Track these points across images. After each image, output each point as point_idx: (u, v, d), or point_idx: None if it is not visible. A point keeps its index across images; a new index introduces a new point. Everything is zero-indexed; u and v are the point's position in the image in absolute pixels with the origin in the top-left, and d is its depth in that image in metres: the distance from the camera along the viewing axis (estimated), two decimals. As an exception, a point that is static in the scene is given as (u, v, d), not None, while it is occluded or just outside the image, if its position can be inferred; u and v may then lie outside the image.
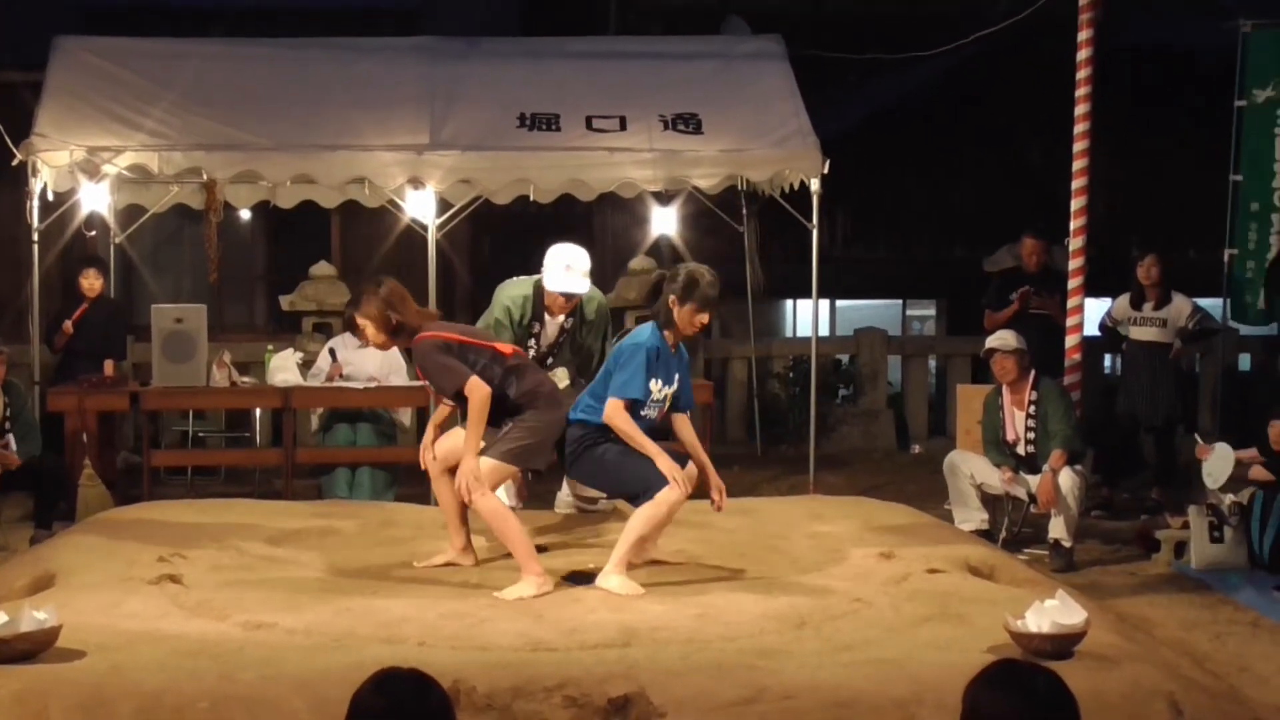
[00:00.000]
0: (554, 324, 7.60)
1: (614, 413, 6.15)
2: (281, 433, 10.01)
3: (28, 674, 4.69)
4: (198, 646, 5.06)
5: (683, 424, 6.54)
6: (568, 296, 7.41)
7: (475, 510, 6.13)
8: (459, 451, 6.12)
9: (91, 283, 10.45)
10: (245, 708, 4.55)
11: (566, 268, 7.30)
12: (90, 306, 10.41)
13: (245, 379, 10.22)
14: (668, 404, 6.39)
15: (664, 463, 6.08)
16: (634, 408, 6.17)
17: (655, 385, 6.22)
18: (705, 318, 6.29)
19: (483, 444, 6.11)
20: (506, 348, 6.29)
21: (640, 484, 6.13)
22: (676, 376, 6.38)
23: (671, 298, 6.25)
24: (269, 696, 4.61)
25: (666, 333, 6.30)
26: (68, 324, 10.37)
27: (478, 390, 6.01)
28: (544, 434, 6.24)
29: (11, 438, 8.64)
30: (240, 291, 15.08)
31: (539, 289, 7.46)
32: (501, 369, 6.16)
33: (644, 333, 6.28)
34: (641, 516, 6.13)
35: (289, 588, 6.04)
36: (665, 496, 6.05)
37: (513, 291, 7.53)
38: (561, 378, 7.58)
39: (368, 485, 9.52)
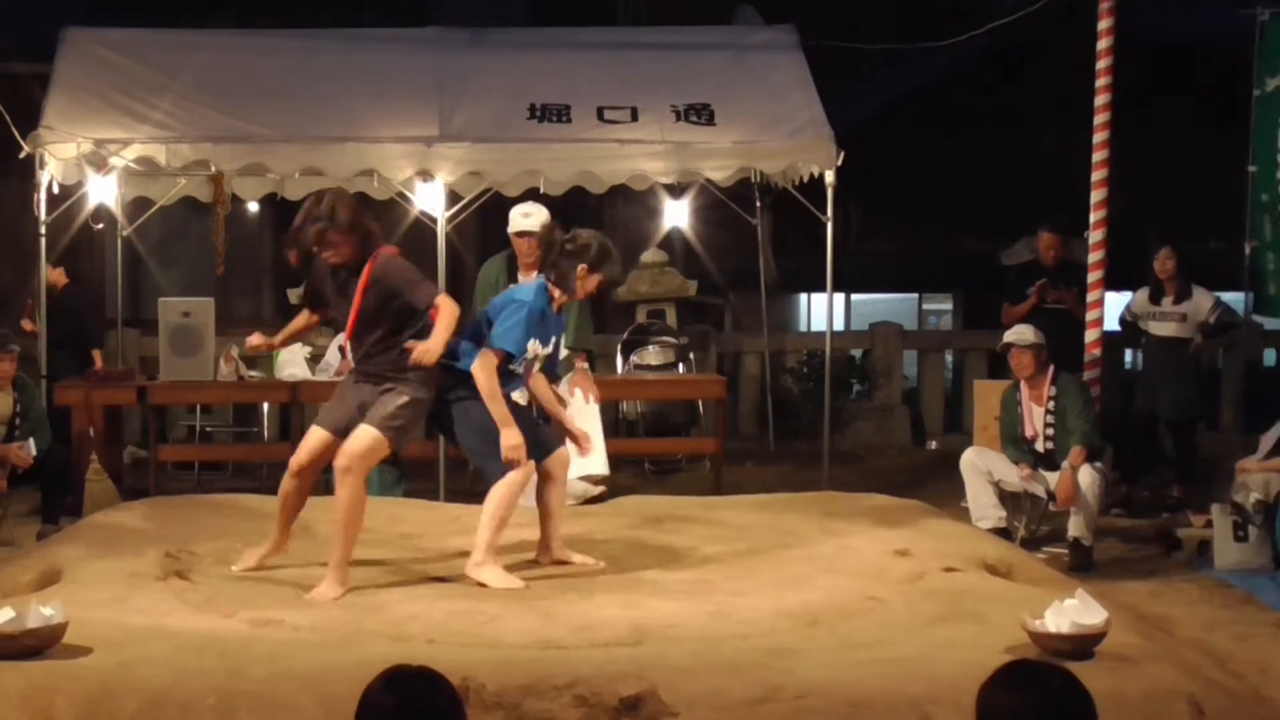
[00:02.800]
0: None
1: (484, 364, 6.14)
2: (289, 427, 10.02)
3: (34, 670, 4.70)
4: (205, 643, 5.06)
5: (538, 380, 6.59)
6: (520, 234, 8.01)
7: (341, 488, 6.04)
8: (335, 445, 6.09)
9: (55, 279, 10.38)
10: (252, 705, 4.56)
11: (523, 215, 8.01)
12: (58, 298, 10.29)
13: (253, 373, 10.23)
14: (537, 366, 6.44)
15: (509, 437, 6.09)
16: (505, 362, 6.20)
17: (533, 345, 6.27)
18: (596, 286, 6.49)
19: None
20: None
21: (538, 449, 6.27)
22: (553, 340, 6.46)
23: (582, 266, 6.36)
24: (276, 694, 4.62)
25: (556, 293, 6.37)
26: (25, 322, 10.37)
27: (450, 303, 5.97)
28: (419, 414, 6.19)
29: (32, 441, 8.68)
30: (248, 285, 15.10)
31: (510, 254, 8.07)
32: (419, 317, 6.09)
33: (529, 290, 6.34)
34: (497, 498, 6.17)
35: (296, 584, 6.05)
36: (517, 476, 6.17)
37: (487, 267, 8.46)
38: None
39: (375, 481, 9.45)
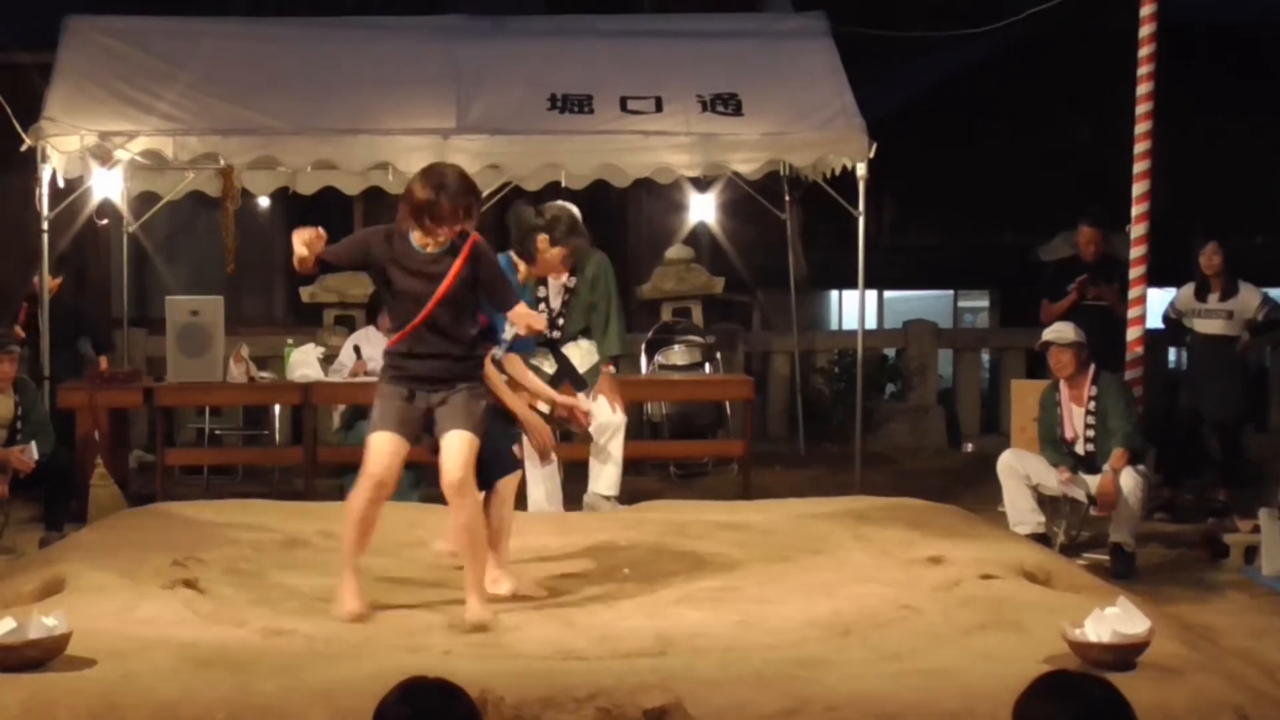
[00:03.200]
0: (556, 285, 7.83)
1: None
2: (301, 430, 10.05)
3: (36, 682, 4.71)
4: (213, 654, 5.07)
5: (512, 361, 6.54)
6: None
7: (462, 503, 5.70)
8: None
9: (52, 287, 10.37)
10: (263, 719, 4.56)
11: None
12: (52, 303, 10.26)
13: (264, 374, 10.26)
14: (508, 345, 6.44)
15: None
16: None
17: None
18: (561, 260, 6.62)
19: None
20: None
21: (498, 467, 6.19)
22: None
23: (544, 237, 6.48)
24: (288, 707, 4.61)
25: (521, 267, 6.49)
26: (17, 328, 10.40)
27: (533, 320, 5.92)
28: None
29: (34, 444, 8.70)
30: (258, 283, 15.12)
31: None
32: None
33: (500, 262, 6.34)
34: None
35: (309, 593, 6.06)
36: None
37: None
38: (587, 352, 7.67)
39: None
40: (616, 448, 8.24)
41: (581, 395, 7.44)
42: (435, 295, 5.66)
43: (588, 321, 7.98)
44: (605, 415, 8.08)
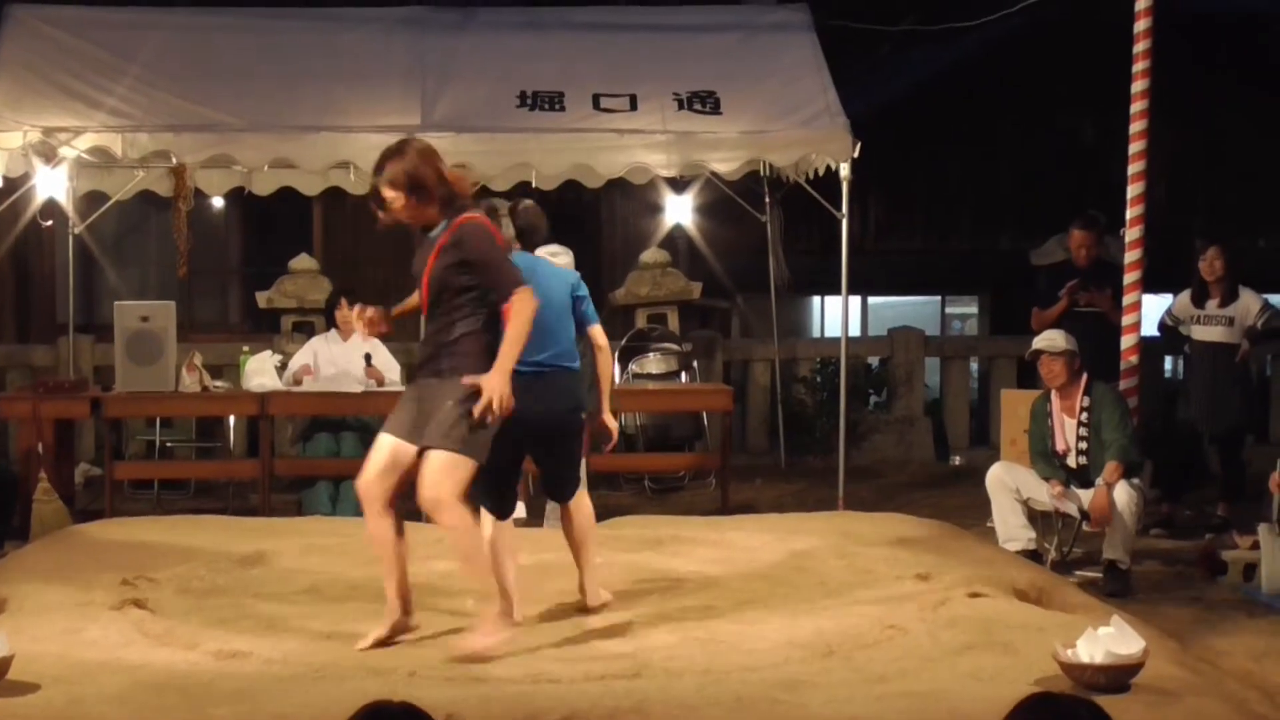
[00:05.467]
0: None
1: (527, 303, 5.70)
2: (258, 442, 10.02)
3: (-23, 708, 4.71)
4: (164, 678, 5.07)
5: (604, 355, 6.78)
6: None
7: (441, 525, 5.62)
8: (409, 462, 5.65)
9: None
10: (217, 745, 4.57)
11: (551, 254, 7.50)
12: None
13: (218, 383, 10.23)
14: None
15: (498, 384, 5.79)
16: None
17: None
18: None
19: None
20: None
21: (577, 477, 6.44)
22: None
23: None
24: (243, 733, 4.62)
25: None
26: None
27: (528, 302, 5.59)
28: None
29: None
30: (213, 287, 15.11)
31: None
32: (493, 306, 5.70)
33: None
34: (587, 523, 6.41)
35: (265, 613, 6.05)
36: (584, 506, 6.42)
37: None
38: None
39: (353, 500, 9.52)
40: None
41: None
42: (422, 277, 5.70)
43: None
44: None
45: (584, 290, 6.50)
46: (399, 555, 5.74)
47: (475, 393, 5.51)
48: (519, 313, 5.58)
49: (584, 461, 6.59)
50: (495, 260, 5.67)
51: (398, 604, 5.74)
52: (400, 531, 5.75)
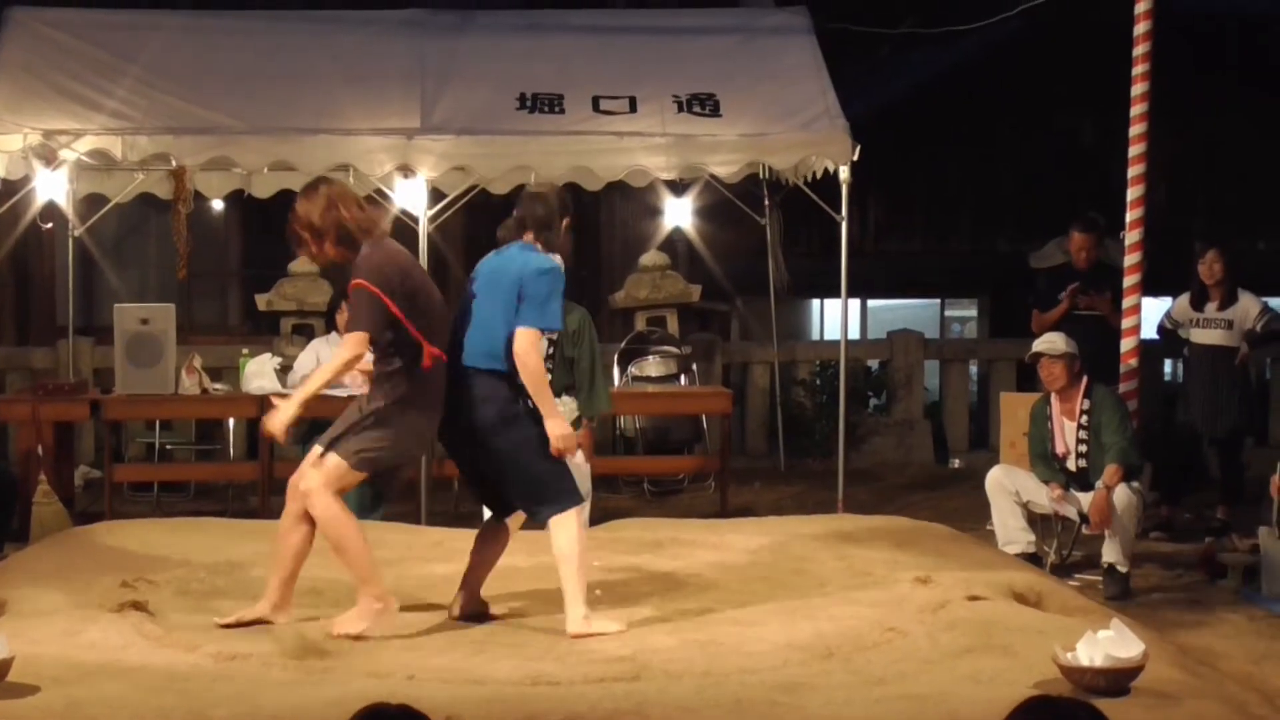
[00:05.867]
0: None
1: (529, 347, 5.83)
2: (257, 445, 10.02)
3: (-24, 710, 4.71)
4: (164, 681, 5.07)
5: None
6: None
7: (312, 514, 5.85)
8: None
9: None
10: (216, 748, 4.57)
11: None
12: None
13: (217, 386, 10.23)
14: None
15: (557, 427, 5.92)
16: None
17: None
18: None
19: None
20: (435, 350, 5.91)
21: (555, 490, 6.00)
22: None
23: (566, 219, 6.23)
24: (242, 735, 4.62)
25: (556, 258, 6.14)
26: None
27: (347, 349, 5.90)
28: (401, 444, 6.00)
29: None
30: (212, 289, 15.12)
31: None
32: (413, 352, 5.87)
33: (547, 259, 6.06)
34: (568, 550, 5.94)
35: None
36: (573, 517, 6.00)
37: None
38: (570, 408, 7.54)
39: (352, 502, 9.46)
40: (586, 488, 8.17)
41: None
42: None
43: (571, 379, 7.79)
44: (578, 458, 8.07)
45: (542, 284, 5.97)
46: (297, 554, 5.96)
47: (383, 404, 5.84)
48: (518, 357, 5.83)
49: (569, 474, 6.12)
50: (357, 299, 5.89)
51: (277, 594, 5.95)
52: (310, 538, 5.96)
